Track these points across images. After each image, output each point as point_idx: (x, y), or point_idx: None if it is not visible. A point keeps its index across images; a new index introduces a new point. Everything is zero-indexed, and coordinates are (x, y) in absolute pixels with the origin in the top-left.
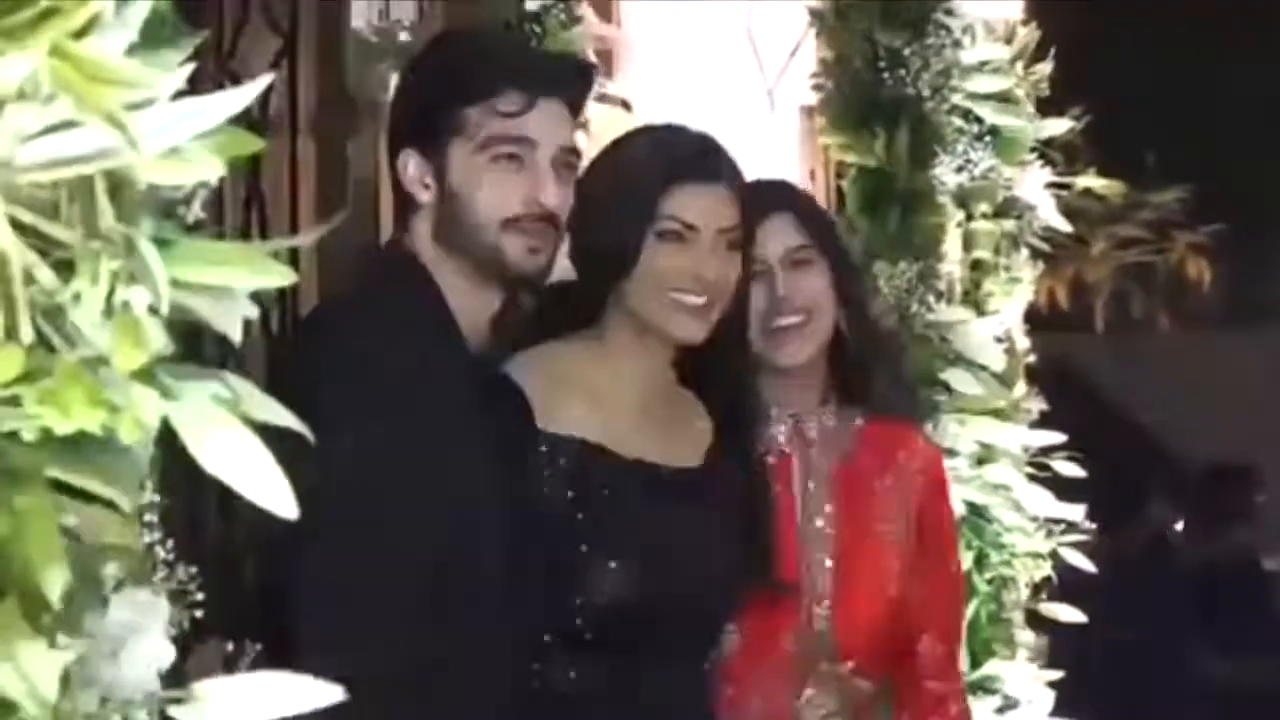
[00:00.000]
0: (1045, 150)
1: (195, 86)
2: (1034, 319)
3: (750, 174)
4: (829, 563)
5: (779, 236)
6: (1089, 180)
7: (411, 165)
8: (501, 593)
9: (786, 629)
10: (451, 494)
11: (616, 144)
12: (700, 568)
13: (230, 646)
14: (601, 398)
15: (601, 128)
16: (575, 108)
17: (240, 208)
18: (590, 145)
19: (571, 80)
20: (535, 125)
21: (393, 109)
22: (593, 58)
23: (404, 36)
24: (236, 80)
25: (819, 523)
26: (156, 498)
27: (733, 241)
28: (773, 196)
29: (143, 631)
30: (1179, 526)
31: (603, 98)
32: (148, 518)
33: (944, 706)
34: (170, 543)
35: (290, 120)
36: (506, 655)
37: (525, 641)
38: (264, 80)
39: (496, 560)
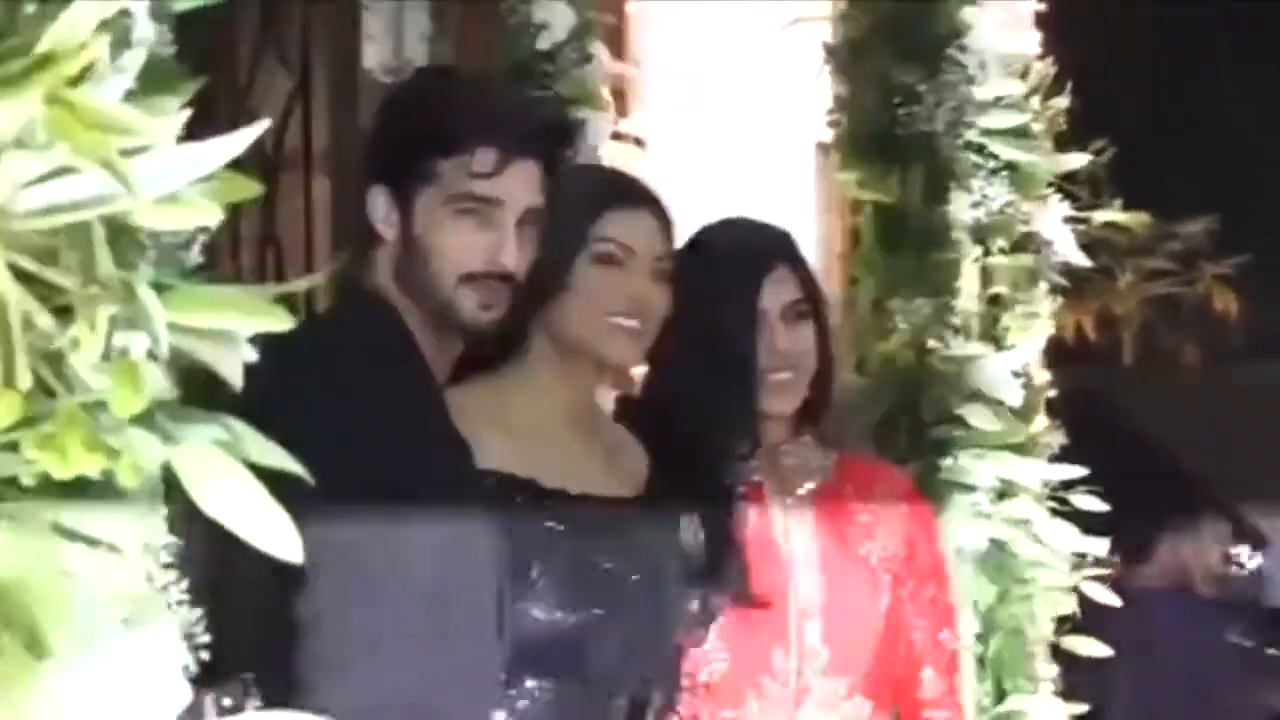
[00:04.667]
0: (1065, 185)
1: (212, 125)
2: (1061, 352)
3: (766, 212)
4: (817, 578)
5: (780, 289)
6: (1111, 214)
7: (380, 203)
8: (471, 626)
9: (777, 646)
10: (421, 531)
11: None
12: (640, 592)
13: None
14: (524, 429)
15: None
16: (550, 167)
17: (256, 247)
18: None
19: (549, 141)
20: (506, 186)
21: (367, 145)
22: (607, 95)
23: None
24: (255, 118)
25: (802, 541)
26: (170, 539)
27: (664, 271)
28: (775, 247)
29: (157, 672)
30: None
31: (616, 135)
32: (164, 559)
33: None
34: (183, 584)
35: (305, 160)
36: (478, 694)
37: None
38: (259, 126)
39: (463, 596)
